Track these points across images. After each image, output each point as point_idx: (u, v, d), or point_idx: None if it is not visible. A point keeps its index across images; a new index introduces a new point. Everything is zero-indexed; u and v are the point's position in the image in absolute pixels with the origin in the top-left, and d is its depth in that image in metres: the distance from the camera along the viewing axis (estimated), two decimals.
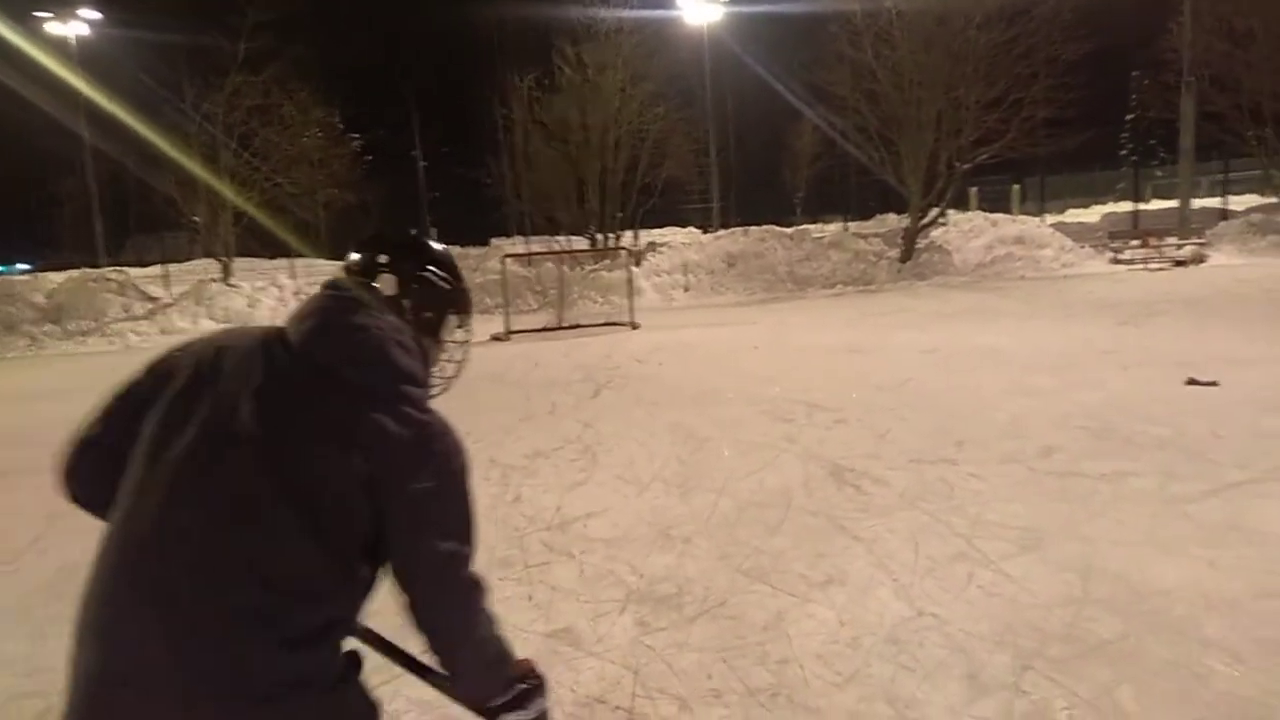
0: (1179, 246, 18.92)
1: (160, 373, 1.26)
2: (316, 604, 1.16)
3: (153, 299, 19.10)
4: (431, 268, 1.42)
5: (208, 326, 17.65)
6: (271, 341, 1.26)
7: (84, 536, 4.55)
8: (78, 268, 22.98)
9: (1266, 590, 3.16)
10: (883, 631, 3.05)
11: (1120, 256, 19.45)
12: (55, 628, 3.55)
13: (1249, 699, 2.53)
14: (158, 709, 1.06)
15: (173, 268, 23.76)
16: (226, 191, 20.30)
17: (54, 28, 25.74)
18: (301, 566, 1.14)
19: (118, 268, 22.80)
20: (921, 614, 3.16)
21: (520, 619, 3.37)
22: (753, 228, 21.52)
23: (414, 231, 1.58)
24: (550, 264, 18.65)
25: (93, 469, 1.29)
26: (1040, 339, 9.53)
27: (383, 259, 1.38)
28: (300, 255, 25.07)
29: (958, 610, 3.17)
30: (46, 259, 28.01)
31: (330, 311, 1.28)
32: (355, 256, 1.39)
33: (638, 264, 19.53)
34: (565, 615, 3.38)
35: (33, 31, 24.77)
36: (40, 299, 18.68)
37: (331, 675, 1.18)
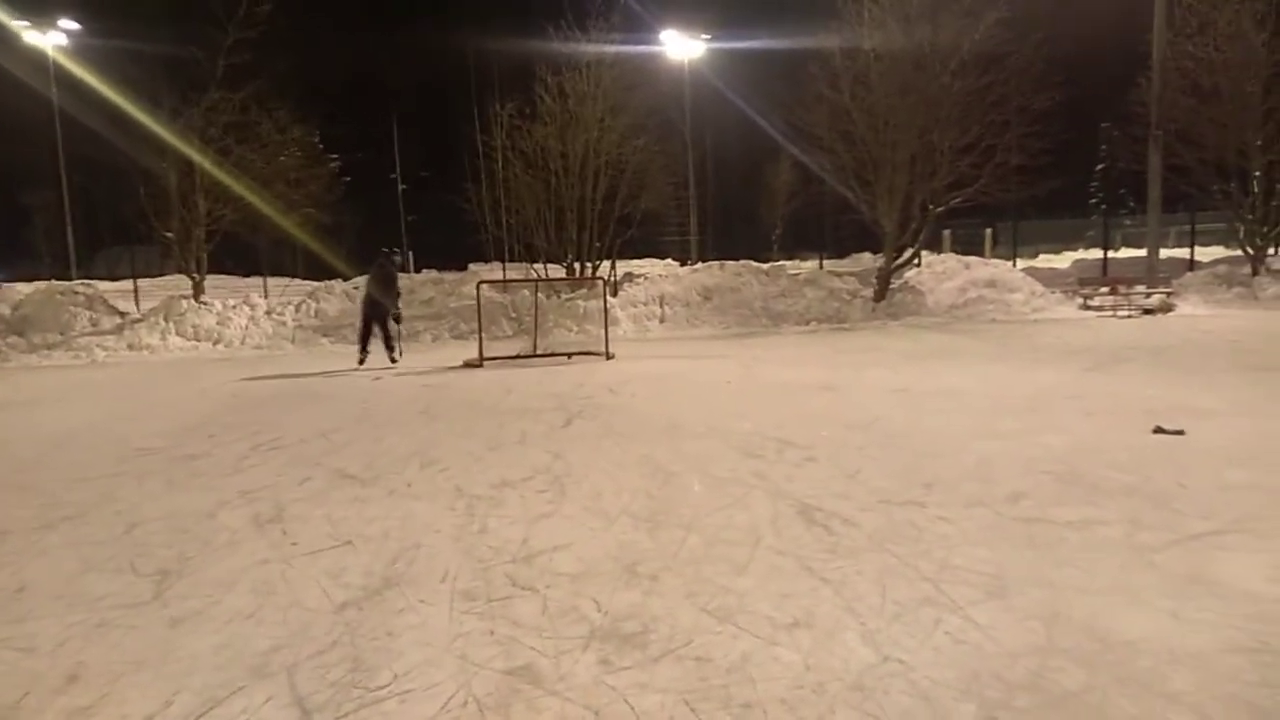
0: (1147, 295, 19.26)
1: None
2: (384, 308, 13.20)
3: (121, 314, 18.80)
4: (395, 256, 13.73)
5: (176, 344, 17.40)
6: (380, 265, 13.21)
7: (40, 557, 4.37)
8: (47, 279, 22.59)
9: (1231, 644, 3.16)
10: (849, 677, 3.01)
11: (1089, 303, 19.77)
12: (3, 653, 3.41)
13: None
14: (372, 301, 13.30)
15: (143, 283, 23.46)
16: (200, 206, 20.09)
17: (32, 37, 25.47)
18: (384, 306, 13.14)
19: (86, 281, 22.42)
20: (888, 660, 3.13)
21: (480, 655, 3.29)
22: (729, 262, 21.62)
23: (391, 247, 13.90)
24: (526, 291, 18.64)
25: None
26: (1009, 382, 9.61)
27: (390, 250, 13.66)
28: (274, 274, 24.80)
29: (924, 657, 3.14)
30: (18, 270, 27.55)
31: (385, 259, 13.26)
32: (385, 249, 13.44)
33: (614, 294, 19.55)
34: (527, 652, 3.30)
35: (8, 40, 24.58)
36: (5, 310, 18.34)
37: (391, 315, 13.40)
